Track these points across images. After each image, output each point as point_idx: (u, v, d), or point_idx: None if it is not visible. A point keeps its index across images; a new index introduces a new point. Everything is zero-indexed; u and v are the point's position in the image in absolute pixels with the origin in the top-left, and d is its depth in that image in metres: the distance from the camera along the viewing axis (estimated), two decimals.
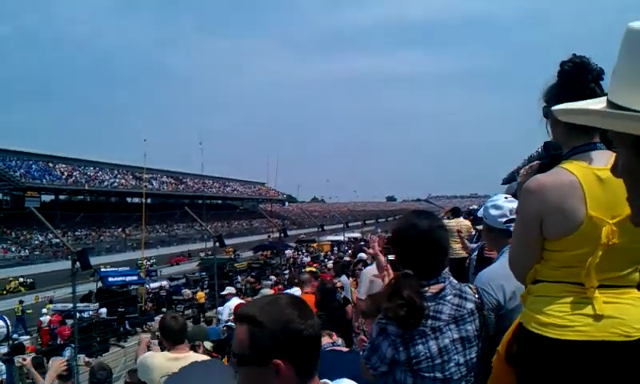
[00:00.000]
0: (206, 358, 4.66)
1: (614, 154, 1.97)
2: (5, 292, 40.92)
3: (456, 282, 2.37)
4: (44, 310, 24.67)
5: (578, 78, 2.04)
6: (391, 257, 2.42)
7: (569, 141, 2.09)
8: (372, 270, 6.71)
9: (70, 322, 20.93)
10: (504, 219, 3.03)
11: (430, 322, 2.20)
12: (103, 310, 24.13)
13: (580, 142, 2.05)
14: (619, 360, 1.88)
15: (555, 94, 2.10)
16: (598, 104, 1.01)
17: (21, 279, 43.92)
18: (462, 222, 8.68)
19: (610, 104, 0.96)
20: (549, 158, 2.20)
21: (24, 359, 5.87)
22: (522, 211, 2.12)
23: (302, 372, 1.49)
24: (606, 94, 0.99)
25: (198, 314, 21.71)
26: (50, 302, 28.14)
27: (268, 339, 1.46)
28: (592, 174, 1.94)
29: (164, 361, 4.46)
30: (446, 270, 2.35)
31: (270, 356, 1.45)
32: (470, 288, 2.43)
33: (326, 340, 2.86)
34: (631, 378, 1.90)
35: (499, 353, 2.27)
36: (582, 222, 1.91)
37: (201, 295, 28.34)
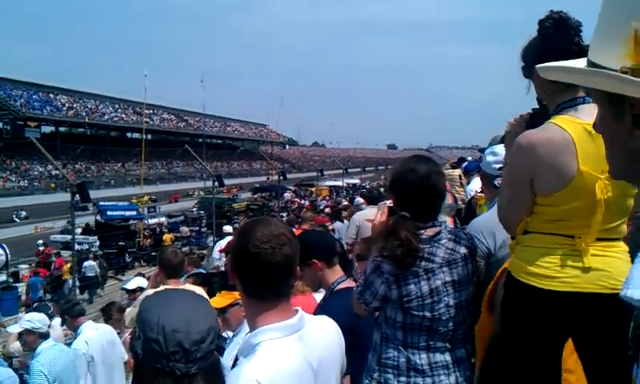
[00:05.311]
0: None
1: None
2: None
3: (451, 226, 2.42)
4: (40, 241, 25.05)
5: (559, 34, 2.01)
6: (389, 202, 2.44)
7: (554, 97, 2.08)
8: (361, 215, 6.78)
9: (65, 253, 21.24)
10: (498, 166, 2.98)
11: (423, 263, 2.26)
12: (96, 243, 24.45)
13: (566, 97, 2.04)
14: (605, 312, 1.93)
15: (538, 52, 2.06)
16: (581, 63, 1.03)
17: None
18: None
19: (589, 63, 0.98)
20: (541, 108, 2.19)
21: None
22: (512, 168, 2.13)
23: (248, 290, 1.59)
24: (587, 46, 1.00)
25: (191, 251, 21.91)
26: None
27: (232, 248, 1.67)
28: (582, 128, 1.94)
29: None
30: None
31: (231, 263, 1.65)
32: (465, 234, 2.49)
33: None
34: (617, 330, 1.96)
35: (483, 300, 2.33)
36: (573, 177, 1.93)
37: (167, 237, 27.97)
